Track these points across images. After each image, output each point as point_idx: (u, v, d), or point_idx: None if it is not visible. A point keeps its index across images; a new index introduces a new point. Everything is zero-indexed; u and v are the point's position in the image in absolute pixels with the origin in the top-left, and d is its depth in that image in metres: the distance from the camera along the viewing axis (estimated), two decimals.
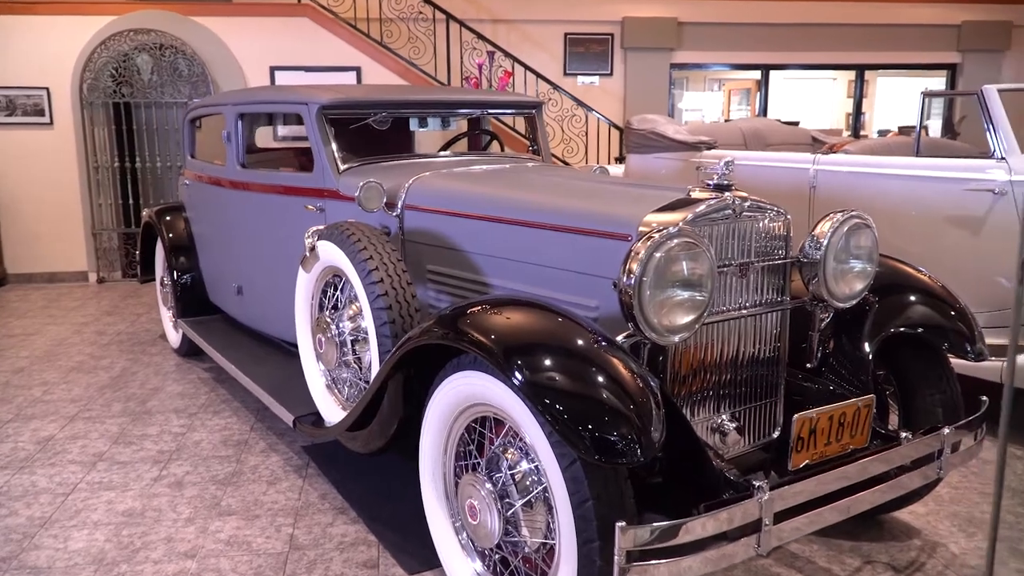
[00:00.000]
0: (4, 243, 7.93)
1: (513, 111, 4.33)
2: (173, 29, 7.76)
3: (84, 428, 4.16)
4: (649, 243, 2.14)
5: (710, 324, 2.41)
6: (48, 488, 3.46)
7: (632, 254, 2.15)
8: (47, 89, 7.74)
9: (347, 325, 3.06)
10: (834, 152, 4.63)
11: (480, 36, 8.23)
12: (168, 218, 5.30)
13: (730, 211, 2.43)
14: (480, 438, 2.40)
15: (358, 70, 7.97)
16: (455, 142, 4.63)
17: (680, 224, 2.30)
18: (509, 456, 2.23)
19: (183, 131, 5.11)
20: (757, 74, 10.59)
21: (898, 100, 12.49)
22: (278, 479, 3.53)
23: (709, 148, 5.46)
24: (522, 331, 2.13)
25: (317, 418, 3.28)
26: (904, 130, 8.63)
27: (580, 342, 2.09)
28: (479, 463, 2.37)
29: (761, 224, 2.51)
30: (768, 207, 2.53)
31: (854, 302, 2.63)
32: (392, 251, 2.92)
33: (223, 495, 3.38)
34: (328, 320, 3.13)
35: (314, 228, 3.21)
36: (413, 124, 3.98)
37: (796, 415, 2.22)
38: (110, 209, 8.05)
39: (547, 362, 2.02)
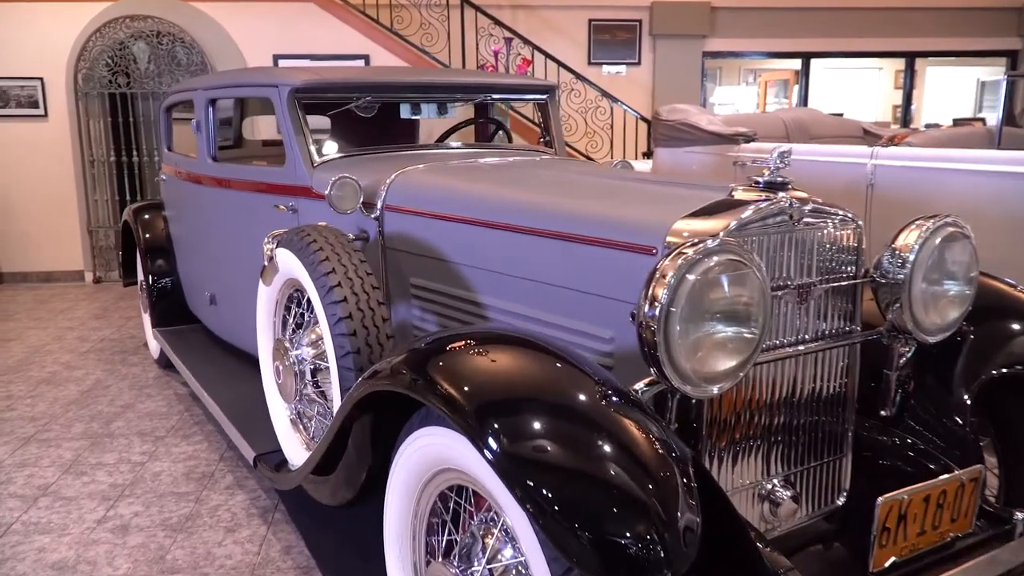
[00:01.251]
0: None
1: (522, 96, 3.76)
2: (171, 15, 7.29)
3: (36, 453, 3.67)
4: (680, 260, 1.58)
5: (759, 364, 1.84)
6: None
7: (657, 275, 1.59)
8: (41, 79, 7.31)
9: (308, 352, 2.52)
10: (895, 144, 4.01)
11: (497, 22, 7.67)
12: (146, 217, 4.81)
13: (786, 217, 1.85)
14: (457, 506, 1.85)
15: (367, 58, 7.45)
16: (453, 132, 4.08)
17: (721, 235, 1.73)
18: (489, 541, 1.68)
19: (160, 121, 4.61)
20: (797, 63, 9.91)
21: (948, 91, 11.72)
22: (239, 525, 3.01)
23: (748, 141, 4.86)
24: (505, 380, 1.58)
25: (283, 457, 2.76)
26: (959, 122, 7.94)
27: (582, 397, 1.53)
28: (455, 540, 1.82)
29: (825, 233, 1.93)
30: (835, 211, 1.95)
31: (946, 334, 2.04)
32: (360, 263, 2.38)
33: (171, 545, 2.87)
34: (287, 345, 2.59)
35: (275, 233, 2.68)
36: (404, 111, 3.44)
37: (881, 498, 1.64)
38: (106, 205, 7.61)
39: (534, 425, 1.46)
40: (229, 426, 3.18)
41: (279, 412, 2.76)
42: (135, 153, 7.61)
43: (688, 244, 1.62)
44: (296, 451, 2.68)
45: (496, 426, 1.46)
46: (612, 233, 1.98)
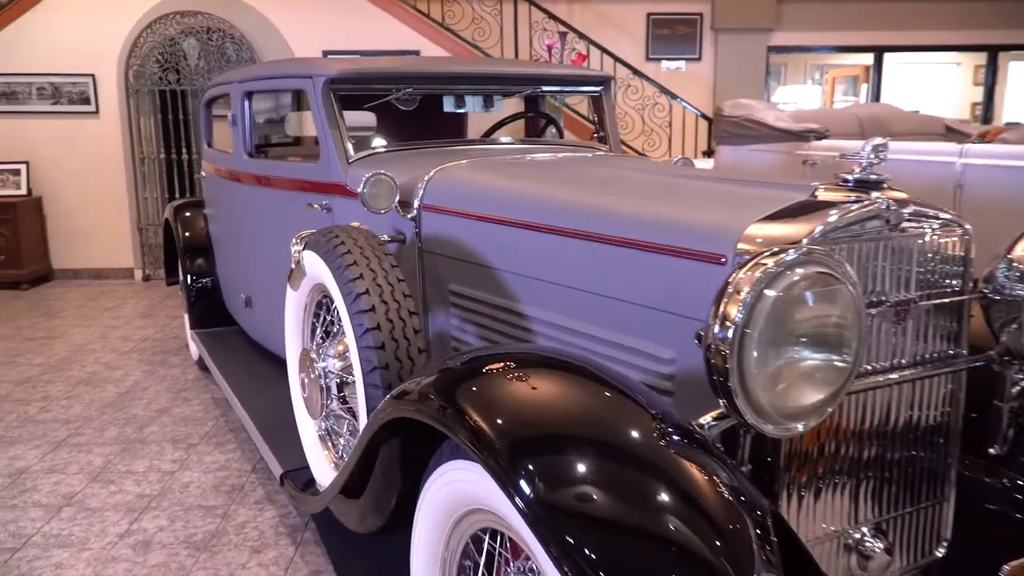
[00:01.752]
0: (50, 237, 7.55)
1: (575, 89, 3.50)
2: (221, 11, 7.21)
3: (66, 458, 3.55)
4: (758, 273, 1.31)
5: (849, 393, 1.56)
6: None
7: (729, 290, 1.33)
8: (92, 76, 7.30)
9: (334, 364, 2.31)
10: (987, 142, 3.64)
11: (551, 16, 7.41)
12: (186, 215, 4.69)
13: (881, 221, 1.57)
14: (492, 550, 1.61)
15: (417, 54, 7.27)
16: (500, 128, 3.84)
17: (805, 242, 1.46)
18: None
19: (200, 116, 4.48)
20: (868, 58, 9.43)
21: None
22: (265, 545, 2.82)
23: (820, 138, 4.51)
24: (545, 412, 1.34)
25: (312, 475, 2.56)
26: None
27: (636, 434, 1.28)
28: None
29: (927, 240, 1.64)
30: (939, 214, 1.66)
31: None
32: (392, 267, 2.16)
33: (193, 565, 2.69)
34: (313, 356, 2.38)
35: (303, 234, 2.48)
36: (447, 104, 3.21)
37: (1007, 567, 1.35)
38: (156, 203, 7.57)
39: (577, 467, 1.22)
40: (259, 438, 3.00)
41: (307, 427, 2.56)
42: (184, 150, 7.56)
43: (766, 253, 1.35)
44: (324, 470, 2.48)
45: (531, 467, 1.22)
46: (673, 238, 1.72)
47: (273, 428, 3.02)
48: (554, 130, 3.80)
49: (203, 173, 4.47)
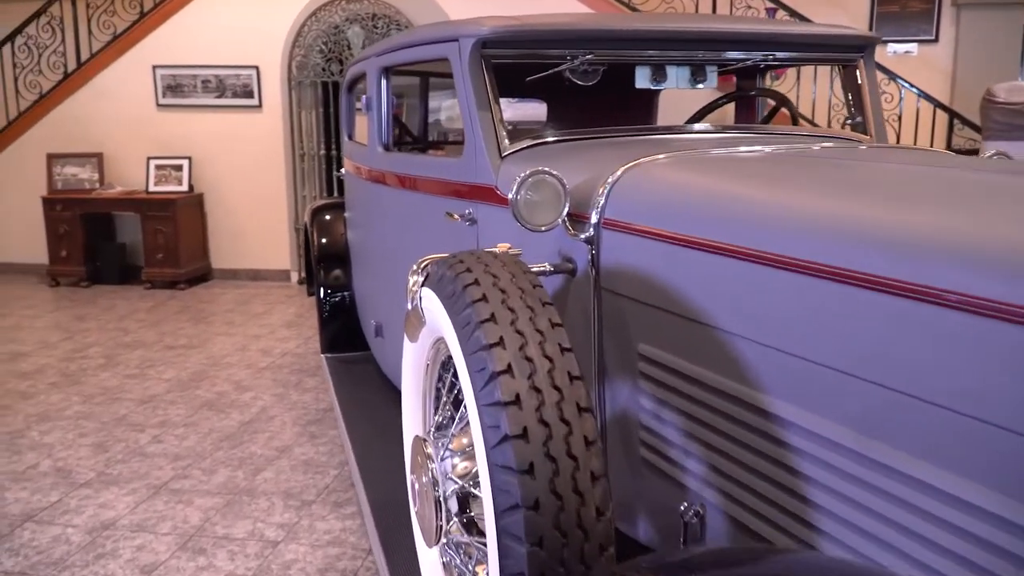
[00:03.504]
0: (210, 235, 7.32)
1: (826, 56, 2.48)
2: None
3: (161, 511, 2.96)
4: None
5: None
6: None
7: None
8: (256, 68, 6.97)
9: (454, 466, 1.47)
10: None
11: None
12: (325, 218, 4.06)
13: None
14: None
15: None
16: (709, 112, 2.88)
17: None
18: None
19: (342, 101, 3.82)
20: None
21: None
22: None
23: None
24: None
25: None
26: None
27: None
28: None
29: None
30: None
31: None
32: (552, 328, 1.29)
33: None
34: (427, 449, 1.56)
35: (426, 260, 1.67)
36: (641, 78, 2.30)
37: None
38: (314, 202, 7.14)
39: None
40: (372, 528, 2.24)
41: (423, 551, 1.75)
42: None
43: None
44: None
45: None
46: None
47: (391, 516, 2.25)
48: (782, 120, 2.81)
49: (343, 170, 3.81)
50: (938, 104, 6.23)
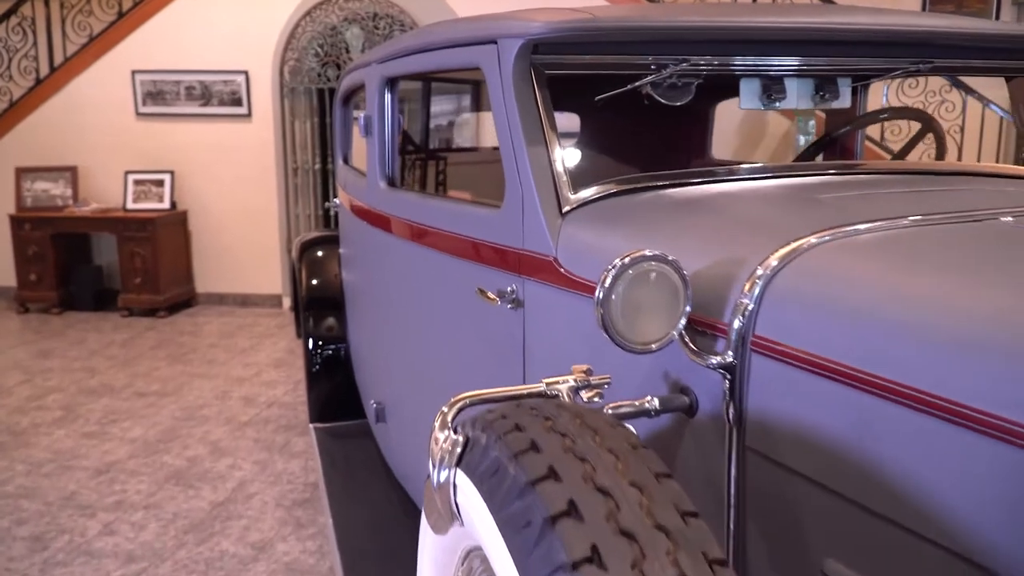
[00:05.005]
0: (194, 257, 6.66)
1: (997, 63, 1.82)
2: None
3: None
4: None
5: None
6: None
7: None
8: (245, 73, 6.31)
9: None
10: None
11: None
12: (317, 255, 3.40)
13: None
14: None
15: None
16: (830, 144, 2.21)
17: None
18: None
19: (335, 117, 3.15)
20: None
21: None
22: None
23: None
24: None
25: None
26: None
27: None
28: None
29: None
30: None
31: None
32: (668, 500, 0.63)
33: None
34: None
35: (458, 400, 1.01)
36: (748, 95, 1.64)
37: None
38: (308, 221, 6.49)
39: None
40: None
41: None
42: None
43: None
44: None
45: None
46: None
47: None
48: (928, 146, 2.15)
49: (335, 201, 3.14)
50: (1007, 114, 5.55)
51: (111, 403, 4.32)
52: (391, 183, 2.14)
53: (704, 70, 1.53)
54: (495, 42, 1.49)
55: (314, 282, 3.31)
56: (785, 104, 1.64)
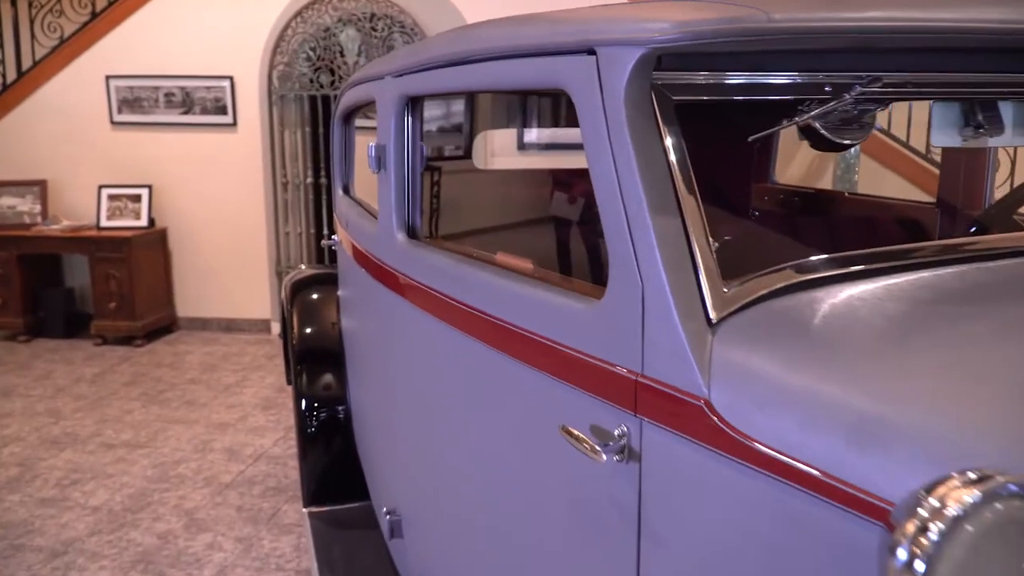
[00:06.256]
0: (175, 279, 6.11)
1: None
2: None
3: None
4: None
5: None
6: None
7: None
8: (230, 79, 5.77)
9: None
10: None
11: None
12: (311, 297, 2.87)
13: None
14: None
15: None
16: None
17: None
18: None
19: (333, 137, 2.63)
20: None
21: None
22: None
23: None
24: None
25: None
26: None
27: None
28: None
29: None
30: None
31: None
32: None
33: None
34: None
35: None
36: (946, 125, 1.13)
37: None
38: (299, 240, 5.96)
39: None
40: None
41: None
42: None
43: None
44: None
45: None
46: None
47: None
48: None
49: (335, 238, 2.62)
50: None
51: (75, 457, 3.78)
52: (412, 234, 1.61)
53: (895, 90, 1.02)
54: (592, 52, 0.97)
55: (308, 330, 2.78)
56: (999, 140, 1.13)
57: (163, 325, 5.96)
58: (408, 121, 1.60)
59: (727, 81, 1.00)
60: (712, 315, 0.89)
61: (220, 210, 5.95)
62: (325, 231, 5.85)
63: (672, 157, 0.93)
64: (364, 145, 2.50)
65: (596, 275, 1.01)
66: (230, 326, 6.12)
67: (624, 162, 0.93)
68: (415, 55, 1.54)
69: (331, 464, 2.65)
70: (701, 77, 0.97)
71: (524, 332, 1.13)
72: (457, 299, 1.35)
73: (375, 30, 5.54)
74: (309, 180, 5.86)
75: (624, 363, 0.95)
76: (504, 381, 1.21)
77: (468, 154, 2.65)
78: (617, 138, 0.94)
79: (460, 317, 1.33)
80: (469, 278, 1.32)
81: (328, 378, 2.71)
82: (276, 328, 6.00)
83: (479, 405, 1.33)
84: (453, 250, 1.44)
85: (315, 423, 2.66)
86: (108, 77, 5.85)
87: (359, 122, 2.58)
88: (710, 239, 0.92)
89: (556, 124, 2.67)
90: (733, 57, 0.98)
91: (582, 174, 1.04)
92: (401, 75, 1.60)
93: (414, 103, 1.59)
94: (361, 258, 1.98)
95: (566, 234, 1.96)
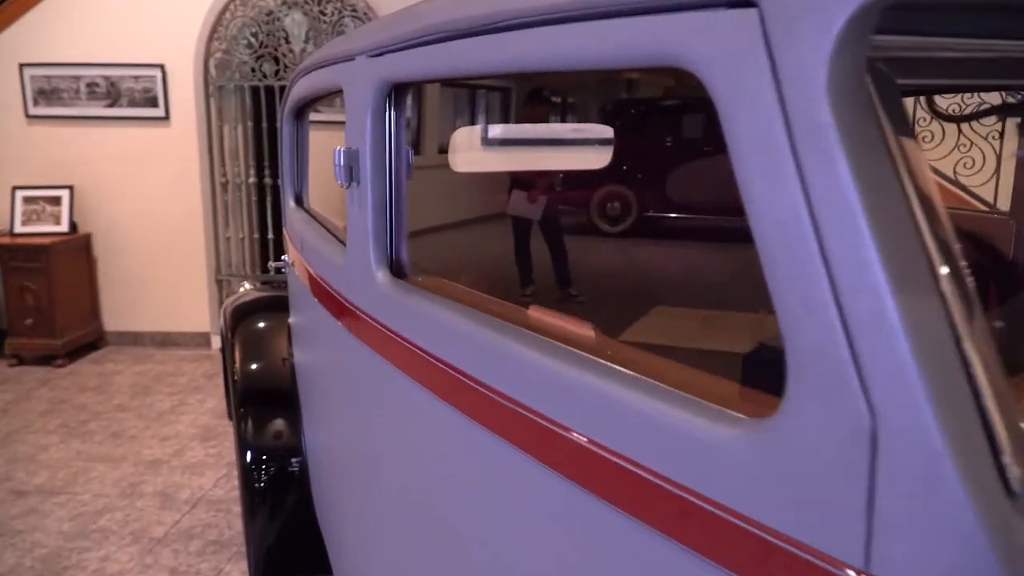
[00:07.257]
0: (102, 290, 5.53)
1: None
2: None
3: None
4: None
5: None
6: None
7: None
8: (161, 67, 5.21)
9: None
10: None
11: None
12: (259, 326, 2.41)
13: None
14: None
15: None
16: None
17: None
18: None
19: (281, 137, 2.17)
20: None
21: None
22: None
23: None
24: None
25: None
26: None
27: None
28: None
29: None
30: None
31: None
32: None
33: None
34: None
35: None
36: None
37: None
38: (240, 246, 5.43)
39: None
40: None
41: None
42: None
43: None
44: None
45: None
46: None
47: None
48: None
49: (285, 259, 2.16)
50: None
51: None
52: (397, 272, 1.18)
53: None
54: (753, 2, 0.55)
55: (253, 366, 2.32)
56: None
57: (88, 342, 5.38)
58: (391, 117, 1.17)
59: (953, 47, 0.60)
60: (1012, 483, 0.48)
61: (152, 213, 5.40)
62: (271, 235, 5.34)
63: (913, 185, 0.53)
64: (319, 145, 2.05)
65: (756, 374, 0.60)
66: (165, 340, 5.57)
67: (827, 196, 0.52)
68: (401, 24, 1.11)
69: (284, 529, 2.19)
70: (938, 46, 0.57)
71: (602, 452, 0.71)
72: (474, 378, 0.92)
73: (324, 14, 5.04)
74: (252, 180, 5.33)
75: (825, 547, 0.54)
76: (555, 510, 0.78)
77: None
78: (809, 155, 0.53)
79: (479, 405, 0.91)
80: (494, 349, 0.89)
81: (279, 424, 2.26)
82: (216, 342, 5.48)
83: (503, 517, 0.91)
84: (464, 300, 1.01)
85: (263, 479, 2.20)
86: (22, 65, 5.24)
87: (313, 115, 2.12)
88: (996, 329, 0.51)
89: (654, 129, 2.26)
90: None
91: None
92: (381, 54, 1.16)
93: (399, 92, 1.16)
94: (323, 295, 1.53)
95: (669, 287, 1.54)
